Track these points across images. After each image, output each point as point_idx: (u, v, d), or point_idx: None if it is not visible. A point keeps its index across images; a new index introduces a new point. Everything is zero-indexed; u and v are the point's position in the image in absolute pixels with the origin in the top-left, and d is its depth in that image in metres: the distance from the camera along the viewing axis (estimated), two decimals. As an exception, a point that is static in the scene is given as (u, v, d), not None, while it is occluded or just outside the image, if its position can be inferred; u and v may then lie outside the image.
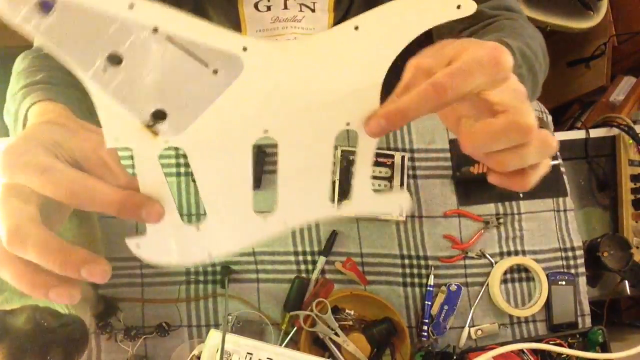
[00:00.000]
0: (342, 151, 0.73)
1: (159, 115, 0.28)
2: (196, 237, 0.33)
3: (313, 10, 0.69)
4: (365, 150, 0.33)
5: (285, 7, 0.68)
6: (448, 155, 0.78)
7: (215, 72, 0.28)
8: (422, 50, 0.33)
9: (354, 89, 0.30)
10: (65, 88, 0.53)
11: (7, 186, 0.29)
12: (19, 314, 0.48)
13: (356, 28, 0.28)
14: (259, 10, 0.68)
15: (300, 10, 0.69)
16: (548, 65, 0.62)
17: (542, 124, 0.47)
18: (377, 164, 0.74)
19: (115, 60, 0.26)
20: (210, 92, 0.28)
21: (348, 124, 0.31)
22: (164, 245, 0.32)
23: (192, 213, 0.74)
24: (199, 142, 0.29)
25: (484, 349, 0.68)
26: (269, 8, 0.68)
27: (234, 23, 0.70)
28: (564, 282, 0.75)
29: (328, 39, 0.29)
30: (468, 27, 0.65)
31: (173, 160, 0.75)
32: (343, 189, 0.72)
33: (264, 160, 0.74)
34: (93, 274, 0.28)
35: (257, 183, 0.74)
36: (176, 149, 0.74)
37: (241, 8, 0.67)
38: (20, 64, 0.57)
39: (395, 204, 0.36)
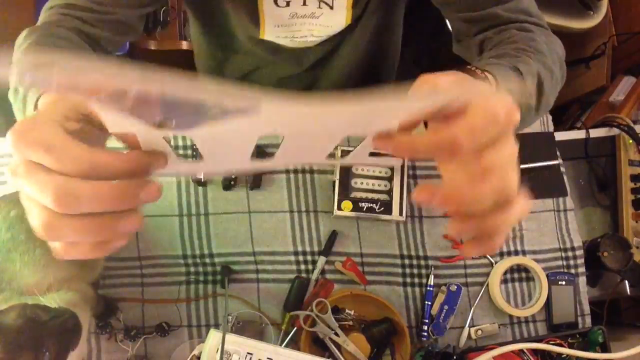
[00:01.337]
0: (342, 151, 0.73)
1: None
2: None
3: (331, 7, 0.69)
4: (367, 142, 0.34)
5: (304, 4, 0.68)
6: (448, 155, 0.78)
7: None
8: (439, 73, 0.33)
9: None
10: None
11: (28, 162, 0.28)
12: (8, 312, 0.48)
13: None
14: (278, 6, 0.68)
15: (319, 7, 0.69)
16: (565, 76, 0.60)
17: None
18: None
19: None
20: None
21: None
22: None
23: (192, 213, 0.74)
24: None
25: (484, 349, 0.68)
26: (288, 4, 0.68)
27: (253, 17, 0.70)
28: (564, 282, 0.75)
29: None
30: (482, 32, 0.63)
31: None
32: (343, 188, 0.72)
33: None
34: (150, 193, 0.29)
35: (257, 183, 0.74)
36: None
37: (260, 3, 0.67)
38: (28, 49, 0.53)
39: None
